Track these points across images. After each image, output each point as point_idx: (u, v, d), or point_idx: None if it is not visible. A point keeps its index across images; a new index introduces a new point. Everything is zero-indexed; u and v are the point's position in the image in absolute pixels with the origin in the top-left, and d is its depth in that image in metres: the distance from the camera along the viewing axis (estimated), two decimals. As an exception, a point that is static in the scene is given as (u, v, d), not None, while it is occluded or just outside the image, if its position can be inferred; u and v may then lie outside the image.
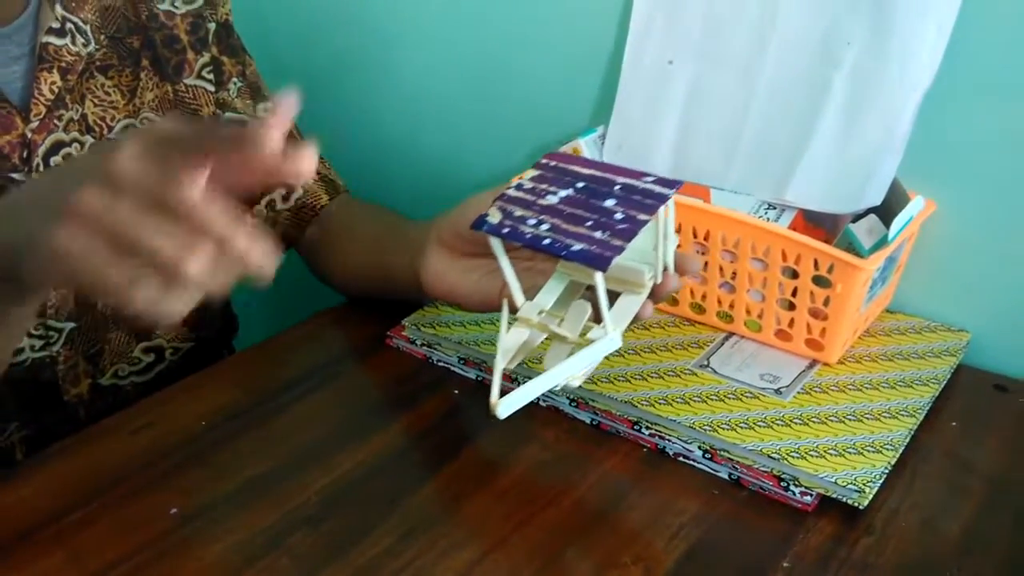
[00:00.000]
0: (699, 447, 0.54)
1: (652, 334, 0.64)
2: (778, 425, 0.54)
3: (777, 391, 0.57)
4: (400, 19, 0.88)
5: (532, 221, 0.44)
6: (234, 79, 0.80)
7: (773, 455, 0.51)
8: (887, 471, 0.51)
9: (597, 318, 0.44)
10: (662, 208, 0.45)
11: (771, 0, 0.62)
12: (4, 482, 0.51)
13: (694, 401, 0.56)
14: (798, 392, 0.57)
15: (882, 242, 0.56)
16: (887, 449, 0.52)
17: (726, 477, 0.53)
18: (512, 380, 0.58)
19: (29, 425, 0.70)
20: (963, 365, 0.62)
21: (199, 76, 0.78)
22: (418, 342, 0.64)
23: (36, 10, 0.67)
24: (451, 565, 0.46)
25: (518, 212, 0.44)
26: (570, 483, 0.53)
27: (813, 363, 0.61)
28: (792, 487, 0.51)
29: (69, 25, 0.69)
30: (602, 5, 0.72)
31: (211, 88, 0.78)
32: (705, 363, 0.61)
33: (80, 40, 0.69)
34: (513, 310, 0.46)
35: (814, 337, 0.60)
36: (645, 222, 0.43)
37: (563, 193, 0.45)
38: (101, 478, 0.52)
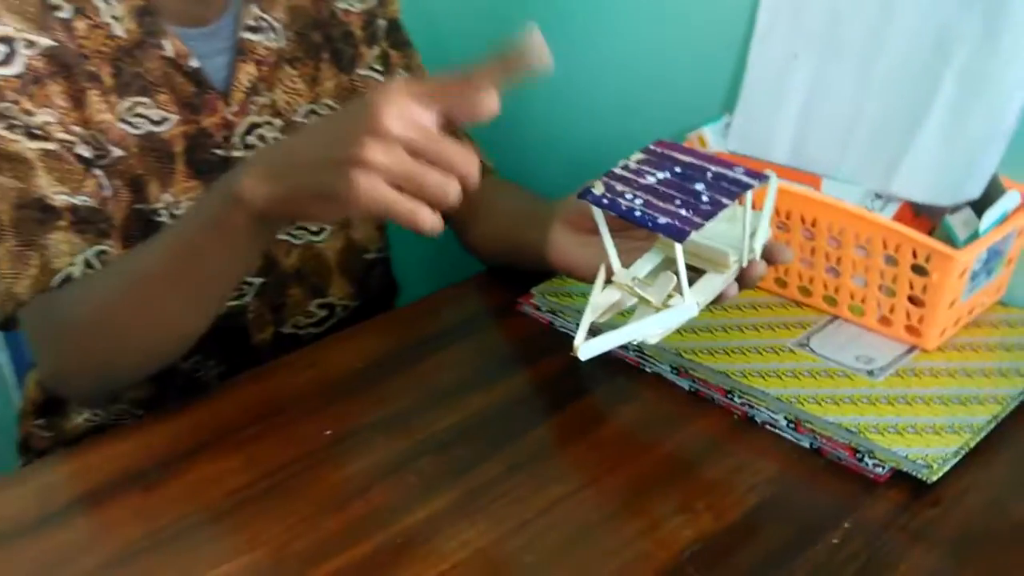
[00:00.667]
0: (785, 417, 0.59)
1: (759, 314, 0.69)
2: (863, 403, 0.58)
3: (869, 372, 0.61)
4: (548, 12, 0.96)
5: (629, 196, 0.50)
6: (399, 70, 0.90)
7: (851, 428, 0.56)
8: (962, 452, 0.54)
9: None
10: (748, 195, 0.50)
11: None
12: (200, 401, 0.64)
13: (786, 376, 0.61)
14: (890, 375, 0.61)
15: (975, 234, 0.59)
16: (965, 432, 0.55)
17: (807, 446, 0.58)
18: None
19: (223, 363, 0.83)
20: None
21: (370, 67, 0.88)
22: (543, 308, 0.72)
23: (237, 10, 0.79)
24: (546, 495, 0.54)
25: (619, 187, 0.51)
26: (661, 439, 0.59)
27: (912, 348, 0.64)
28: (866, 459, 0.55)
29: (264, 23, 0.80)
30: (733, 1, 0.76)
31: (379, 77, 0.89)
32: (804, 342, 0.65)
33: (272, 36, 0.81)
34: (611, 275, 0.53)
35: (912, 324, 0.63)
36: (726, 205, 0.49)
37: (661, 175, 0.51)
38: (274, 403, 0.63)
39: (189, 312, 0.65)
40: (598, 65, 0.94)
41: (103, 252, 0.69)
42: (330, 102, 0.86)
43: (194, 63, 0.76)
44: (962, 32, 0.61)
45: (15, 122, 0.69)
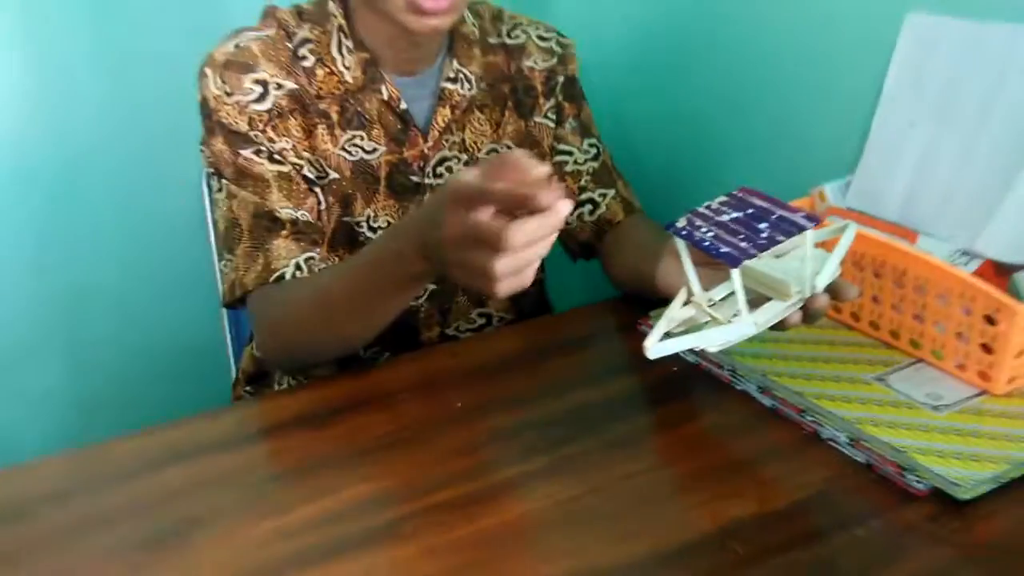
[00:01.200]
0: (846, 435, 0.67)
1: (849, 350, 0.77)
2: (919, 430, 0.65)
3: (935, 407, 0.68)
4: (706, 68, 1.08)
5: (704, 229, 0.62)
6: (569, 120, 1.05)
7: (900, 448, 0.63)
8: (999, 480, 0.61)
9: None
10: (809, 235, 0.61)
11: (1000, 70, 0.72)
12: (366, 371, 0.81)
13: (856, 403, 0.69)
14: (953, 411, 0.68)
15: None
16: (1004, 463, 0.61)
17: (861, 461, 0.66)
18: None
19: (395, 354, 1.00)
20: None
21: (544, 116, 1.04)
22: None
23: (441, 64, 0.98)
24: (625, 469, 0.66)
25: (698, 222, 0.63)
26: (734, 441, 0.69)
27: (982, 392, 0.70)
28: (908, 475, 0.62)
29: (461, 75, 0.98)
30: (866, 68, 0.85)
31: (551, 125, 1.04)
32: (883, 378, 0.72)
33: (467, 86, 0.98)
34: (691, 296, 0.64)
35: (983, 369, 0.69)
36: (780, 241, 0.59)
37: (734, 215, 0.63)
38: (420, 379, 0.79)
39: (360, 328, 0.82)
40: (740, 118, 1.05)
41: (311, 258, 0.88)
42: (510, 143, 1.03)
43: (403, 105, 0.95)
44: None
45: (261, 148, 0.90)
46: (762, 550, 0.58)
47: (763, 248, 0.59)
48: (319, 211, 0.93)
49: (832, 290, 0.65)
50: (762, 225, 0.61)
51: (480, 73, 0.99)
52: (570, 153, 1.04)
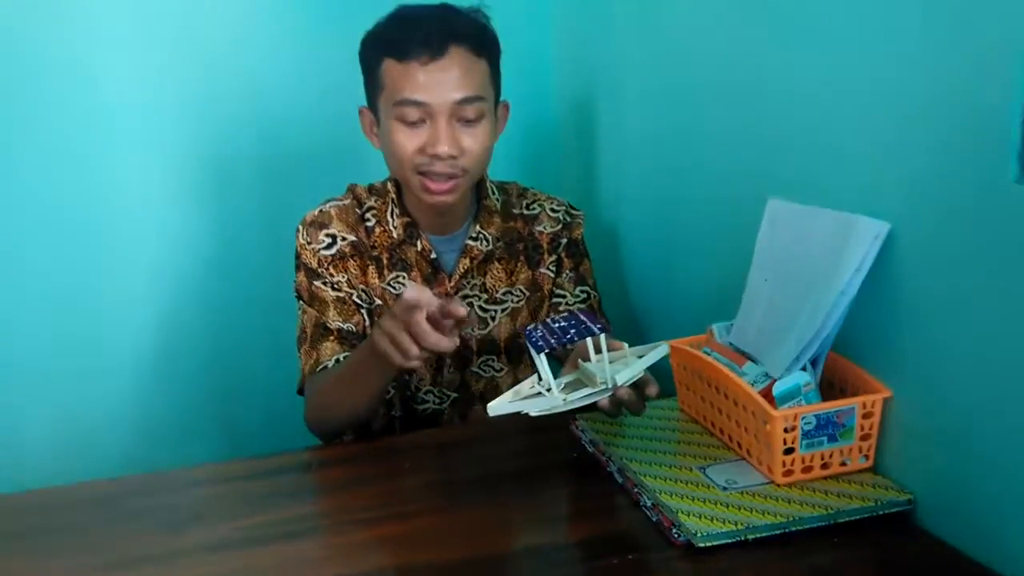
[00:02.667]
0: (651, 500, 0.92)
1: (694, 448, 1.01)
2: (699, 500, 0.89)
3: (723, 488, 0.92)
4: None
5: (540, 332, 0.93)
6: (567, 271, 1.37)
7: (673, 510, 0.87)
8: (733, 536, 0.84)
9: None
10: (603, 339, 0.90)
11: (809, 242, 0.97)
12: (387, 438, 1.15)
13: (670, 481, 0.94)
14: (735, 491, 0.91)
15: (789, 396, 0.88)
16: (741, 525, 0.84)
17: (654, 519, 0.90)
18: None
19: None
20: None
21: (547, 267, 1.37)
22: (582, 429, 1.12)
23: (467, 227, 1.35)
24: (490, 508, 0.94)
25: (540, 328, 0.94)
26: (584, 499, 0.96)
27: (769, 482, 0.92)
28: (675, 529, 0.86)
29: (481, 235, 1.34)
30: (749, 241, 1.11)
31: (552, 275, 1.37)
32: (704, 467, 0.96)
33: (485, 244, 1.34)
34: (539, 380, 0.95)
35: (768, 463, 0.92)
36: (574, 338, 0.89)
37: (561, 324, 0.93)
38: (428, 447, 1.12)
39: (357, 397, 1.17)
40: (686, 277, 1.33)
41: (349, 357, 1.26)
42: (522, 288, 1.37)
43: (434, 256, 1.32)
44: (817, 277, 0.93)
45: (325, 280, 1.29)
46: (563, 563, 0.85)
47: (560, 342, 0.89)
48: (364, 325, 1.30)
49: (638, 386, 0.93)
50: (572, 331, 0.91)
51: (498, 235, 1.35)
52: (563, 296, 1.36)
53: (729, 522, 0.85)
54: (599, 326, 0.92)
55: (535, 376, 0.94)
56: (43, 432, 1.67)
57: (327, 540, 0.94)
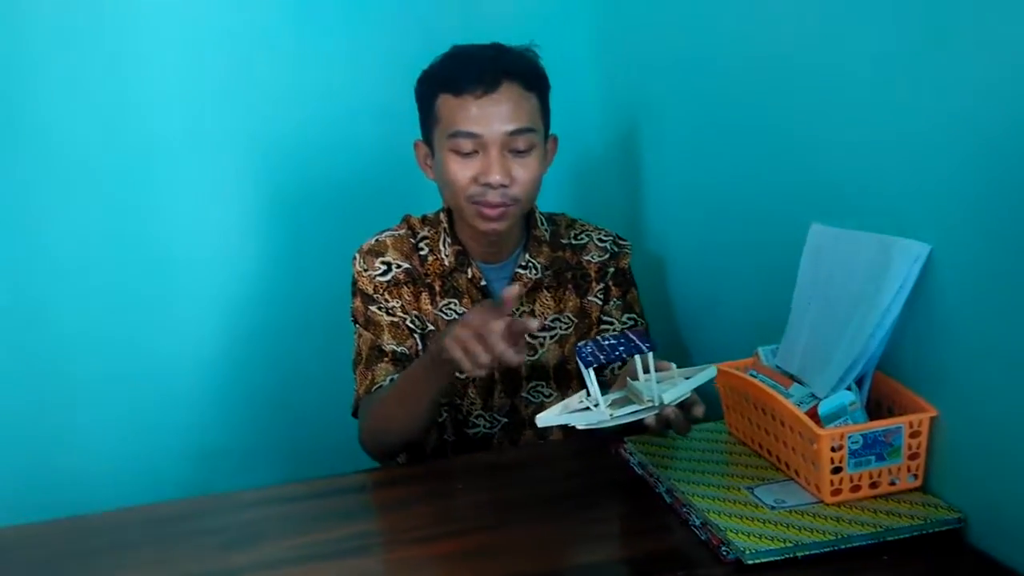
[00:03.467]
0: (700, 520, 0.93)
1: (742, 468, 1.02)
2: (747, 519, 0.90)
3: (772, 508, 0.93)
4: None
5: (590, 347, 0.96)
6: (614, 299, 1.40)
7: (722, 527, 0.89)
8: (781, 553, 0.85)
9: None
10: (651, 357, 0.93)
11: (851, 266, 0.99)
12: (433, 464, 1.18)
13: (718, 501, 0.95)
14: (784, 511, 0.92)
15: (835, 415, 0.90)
16: (789, 543, 0.85)
17: (704, 538, 0.91)
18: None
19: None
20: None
21: (594, 296, 1.40)
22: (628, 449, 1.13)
23: (516, 256, 1.38)
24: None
25: (591, 344, 0.97)
26: (635, 521, 0.97)
27: (818, 501, 0.93)
28: (723, 547, 0.88)
29: (531, 264, 1.38)
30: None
31: (599, 303, 1.40)
32: (752, 488, 0.98)
33: (534, 272, 1.37)
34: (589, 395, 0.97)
35: (816, 483, 0.93)
36: (620, 356, 0.91)
37: (611, 342, 0.96)
38: (479, 468, 1.15)
39: (407, 414, 1.21)
40: (729, 298, 1.35)
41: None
42: (570, 315, 1.40)
43: (484, 283, 1.36)
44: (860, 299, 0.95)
45: (380, 305, 1.34)
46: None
47: (608, 358, 0.92)
48: (417, 349, 1.34)
49: (684, 406, 0.95)
50: (621, 348, 0.94)
51: (547, 263, 1.38)
52: (611, 323, 1.39)
53: (778, 540, 0.86)
54: (648, 345, 0.94)
55: (584, 391, 0.97)
56: (106, 457, 1.73)
57: (382, 556, 0.97)
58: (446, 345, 1.06)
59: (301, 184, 1.76)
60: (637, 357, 0.94)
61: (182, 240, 1.72)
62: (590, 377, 0.94)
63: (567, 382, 1.40)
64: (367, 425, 1.29)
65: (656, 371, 0.95)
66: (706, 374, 0.97)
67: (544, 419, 0.94)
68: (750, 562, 0.85)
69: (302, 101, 1.72)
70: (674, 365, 1.00)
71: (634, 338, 0.97)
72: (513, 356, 1.02)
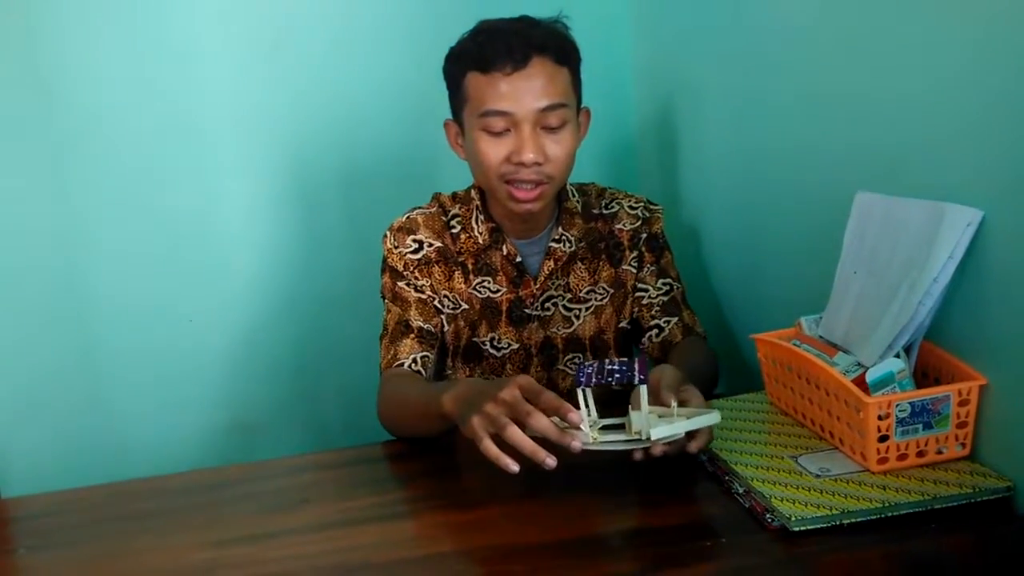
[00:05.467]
0: (743, 488, 0.93)
1: (787, 438, 1.02)
2: (791, 487, 0.90)
3: (817, 476, 0.92)
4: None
5: (589, 370, 0.95)
6: (648, 265, 1.39)
7: (766, 495, 0.88)
8: (827, 520, 0.84)
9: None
10: (644, 390, 0.92)
11: (899, 232, 0.97)
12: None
13: (761, 469, 0.94)
14: (828, 479, 0.91)
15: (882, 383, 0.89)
16: (836, 511, 0.84)
17: (746, 506, 0.91)
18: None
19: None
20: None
21: (629, 264, 1.39)
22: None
23: (549, 230, 1.37)
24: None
25: (592, 368, 0.96)
26: (680, 489, 0.97)
27: (864, 470, 0.92)
28: (768, 515, 0.87)
29: (564, 237, 1.37)
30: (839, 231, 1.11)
31: (634, 271, 1.39)
32: (795, 457, 0.97)
33: (568, 245, 1.37)
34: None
35: (862, 451, 0.92)
36: (612, 382, 0.92)
37: (614, 367, 0.95)
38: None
39: (414, 429, 1.19)
40: (764, 263, 1.33)
41: (425, 357, 1.30)
42: (605, 286, 1.39)
43: (519, 259, 1.35)
44: (910, 266, 0.93)
45: (409, 282, 1.34)
46: (656, 544, 0.87)
47: (601, 381, 0.93)
48: (442, 328, 1.34)
49: (684, 442, 0.95)
50: (616, 375, 0.94)
51: (580, 235, 1.37)
52: (646, 290, 1.38)
53: (824, 507, 0.86)
54: (642, 377, 0.93)
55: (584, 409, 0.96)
56: (142, 427, 1.76)
57: (426, 520, 0.97)
58: (472, 421, 0.96)
59: (331, 161, 1.77)
60: (643, 387, 0.92)
61: (215, 213, 1.73)
62: (581, 396, 0.95)
63: (604, 353, 1.40)
64: (382, 406, 1.27)
65: (679, 393, 0.96)
66: (706, 418, 0.94)
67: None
68: (796, 529, 0.84)
69: (333, 77, 1.73)
70: (675, 403, 0.96)
71: (634, 367, 0.95)
72: (546, 459, 0.92)
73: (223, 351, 1.79)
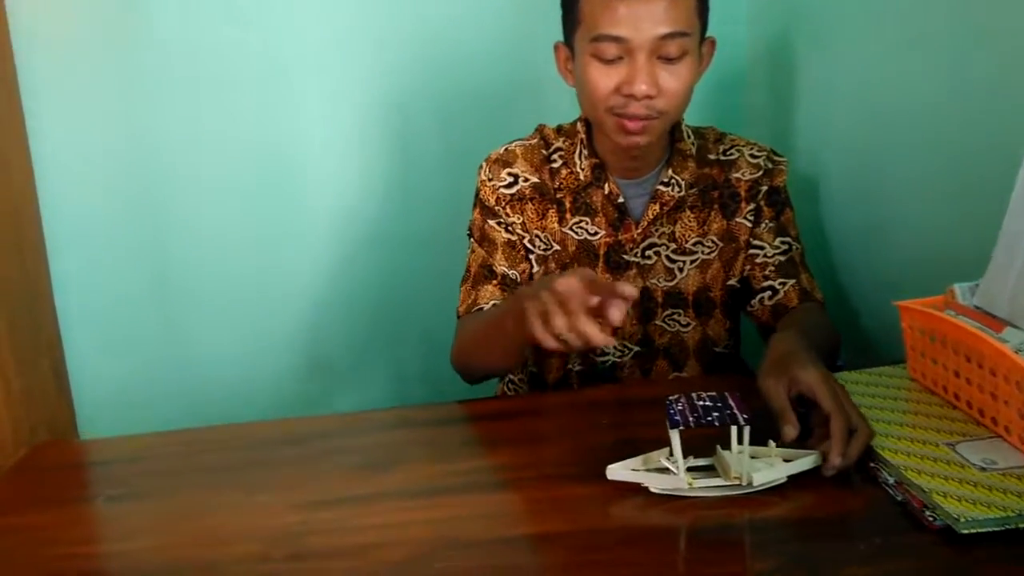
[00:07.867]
0: (894, 478, 0.82)
1: (941, 422, 0.90)
2: (953, 480, 0.78)
3: (982, 469, 0.80)
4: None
5: (680, 406, 0.84)
6: (766, 221, 1.26)
7: (925, 489, 0.77)
8: (1001, 523, 0.73)
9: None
10: (734, 431, 0.81)
11: None
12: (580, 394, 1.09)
13: (914, 457, 0.83)
14: (996, 473, 0.79)
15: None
16: (1011, 512, 0.73)
17: (899, 499, 0.80)
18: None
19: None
20: None
21: (744, 217, 1.27)
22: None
23: (659, 171, 1.25)
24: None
25: (682, 400, 0.85)
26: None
27: (1035, 464, 0.80)
28: (928, 511, 0.76)
29: (673, 180, 1.25)
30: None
31: (749, 225, 1.27)
32: (953, 444, 0.85)
33: (677, 190, 1.25)
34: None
35: (1034, 443, 0.80)
36: (711, 423, 0.80)
37: (707, 404, 0.84)
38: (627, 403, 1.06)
39: (486, 352, 1.13)
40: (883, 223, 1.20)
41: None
42: (715, 238, 1.27)
43: (621, 200, 1.24)
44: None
45: (500, 220, 1.24)
46: (796, 538, 0.77)
47: (698, 423, 0.81)
48: (530, 274, 1.24)
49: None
50: (715, 414, 0.82)
51: (692, 180, 1.25)
52: (761, 248, 1.26)
53: (995, 507, 0.74)
54: (746, 416, 0.81)
55: (668, 448, 0.85)
56: (221, 364, 1.71)
57: (527, 493, 0.88)
58: (527, 306, 0.90)
59: (425, 93, 1.67)
60: (746, 428, 0.81)
61: (303, 156, 1.66)
62: (673, 438, 0.83)
63: (708, 311, 1.29)
64: (456, 348, 1.22)
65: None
66: (807, 461, 0.84)
67: (615, 471, 0.85)
68: (964, 532, 0.73)
69: (423, 7, 1.63)
70: (773, 442, 0.86)
71: (733, 403, 0.84)
72: (598, 336, 0.85)
73: (307, 287, 1.73)
